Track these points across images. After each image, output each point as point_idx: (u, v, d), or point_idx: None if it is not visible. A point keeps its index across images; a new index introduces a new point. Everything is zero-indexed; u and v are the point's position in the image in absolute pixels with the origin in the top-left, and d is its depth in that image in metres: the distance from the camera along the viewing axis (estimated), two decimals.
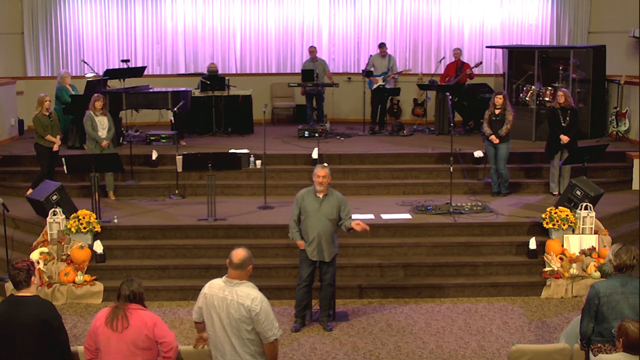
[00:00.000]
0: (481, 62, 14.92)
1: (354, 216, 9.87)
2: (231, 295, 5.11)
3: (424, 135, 14.29)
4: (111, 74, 13.72)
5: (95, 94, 10.99)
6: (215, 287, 5.22)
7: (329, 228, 7.86)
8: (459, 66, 14.44)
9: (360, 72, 15.34)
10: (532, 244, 9.45)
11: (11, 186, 11.66)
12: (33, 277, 5.14)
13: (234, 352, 5.13)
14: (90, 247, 9.41)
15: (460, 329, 8.18)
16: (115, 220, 9.92)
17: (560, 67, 13.47)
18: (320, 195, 7.85)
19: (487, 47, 16.02)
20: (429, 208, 10.41)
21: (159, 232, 9.82)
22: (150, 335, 5.08)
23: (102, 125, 10.81)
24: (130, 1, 16.10)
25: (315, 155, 11.67)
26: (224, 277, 5.23)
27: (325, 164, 8.18)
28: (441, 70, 15.09)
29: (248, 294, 5.10)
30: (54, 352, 5.09)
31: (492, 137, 10.92)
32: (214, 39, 16.44)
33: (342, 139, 13.70)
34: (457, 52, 14.67)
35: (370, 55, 15.04)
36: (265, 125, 11.10)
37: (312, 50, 14.90)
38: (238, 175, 11.51)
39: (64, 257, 9.26)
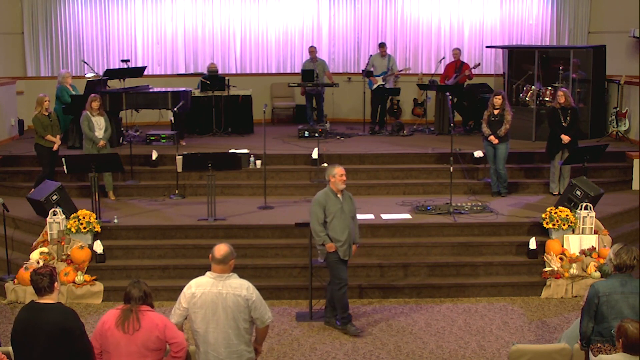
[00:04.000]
0: (479, 64, 14.92)
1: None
2: (225, 289, 5.25)
3: (424, 135, 14.29)
4: (111, 74, 13.73)
5: (92, 94, 11.00)
6: (205, 285, 5.30)
7: (352, 226, 7.94)
8: (458, 66, 14.44)
9: (360, 72, 15.34)
10: (532, 244, 9.45)
11: (11, 186, 11.66)
12: (56, 283, 5.06)
13: (230, 344, 5.25)
14: (90, 247, 9.42)
15: (460, 329, 8.18)
16: (115, 220, 9.92)
17: (560, 67, 13.46)
18: (339, 196, 7.88)
19: (487, 47, 16.02)
20: (429, 208, 10.41)
21: (159, 232, 9.83)
22: (161, 337, 5.07)
23: (98, 125, 10.81)
24: (130, 1, 16.10)
25: (315, 155, 11.65)
26: (209, 273, 5.34)
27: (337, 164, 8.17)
28: (441, 70, 15.09)
29: (241, 284, 5.29)
30: None
31: (491, 137, 10.93)
32: (214, 39, 16.44)
33: (342, 139, 13.70)
34: (457, 52, 14.67)
35: (370, 55, 15.04)
36: (265, 125, 11.10)
37: (312, 50, 14.90)
38: (238, 175, 11.51)
39: (64, 257, 9.26)
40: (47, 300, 5.03)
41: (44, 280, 5.01)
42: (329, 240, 7.86)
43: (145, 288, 5.15)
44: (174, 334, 5.13)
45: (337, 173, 7.83)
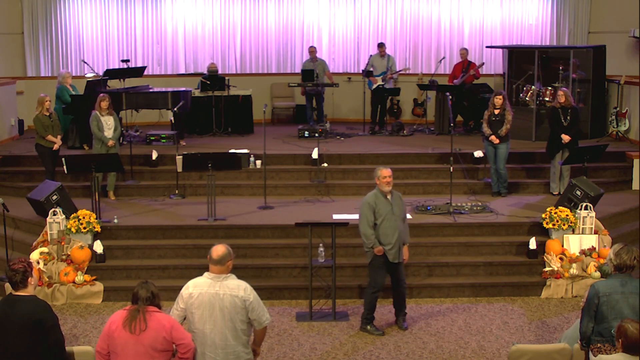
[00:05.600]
0: (484, 63, 14.92)
1: (354, 216, 9.95)
2: (222, 290, 5.25)
3: (424, 135, 14.30)
4: (111, 74, 13.72)
5: (101, 94, 10.99)
6: (202, 285, 5.30)
7: (402, 227, 7.88)
8: (465, 66, 14.43)
9: (360, 72, 15.34)
10: (532, 244, 9.45)
11: (11, 186, 11.65)
12: (30, 278, 5.14)
13: (227, 344, 5.25)
14: (90, 247, 9.42)
15: (460, 329, 8.18)
16: (115, 220, 9.92)
17: (560, 67, 13.47)
18: (389, 197, 7.82)
19: (487, 47, 16.02)
20: (429, 208, 10.41)
21: (159, 232, 9.82)
22: (168, 337, 5.06)
23: (107, 125, 10.81)
24: (130, 1, 16.10)
25: (315, 155, 11.66)
26: (206, 274, 5.34)
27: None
28: (441, 70, 15.09)
29: (238, 285, 5.29)
30: (48, 352, 5.08)
31: (492, 137, 10.93)
32: (214, 39, 16.45)
33: (342, 139, 13.70)
34: (464, 52, 14.67)
35: (370, 55, 15.04)
36: (265, 125, 11.09)
37: (312, 50, 14.90)
38: (238, 175, 11.51)
39: (64, 257, 9.26)
40: (22, 293, 5.14)
41: (16, 275, 5.12)
42: (378, 243, 7.78)
43: (153, 289, 5.15)
44: (181, 335, 5.12)
45: (382, 175, 7.74)
